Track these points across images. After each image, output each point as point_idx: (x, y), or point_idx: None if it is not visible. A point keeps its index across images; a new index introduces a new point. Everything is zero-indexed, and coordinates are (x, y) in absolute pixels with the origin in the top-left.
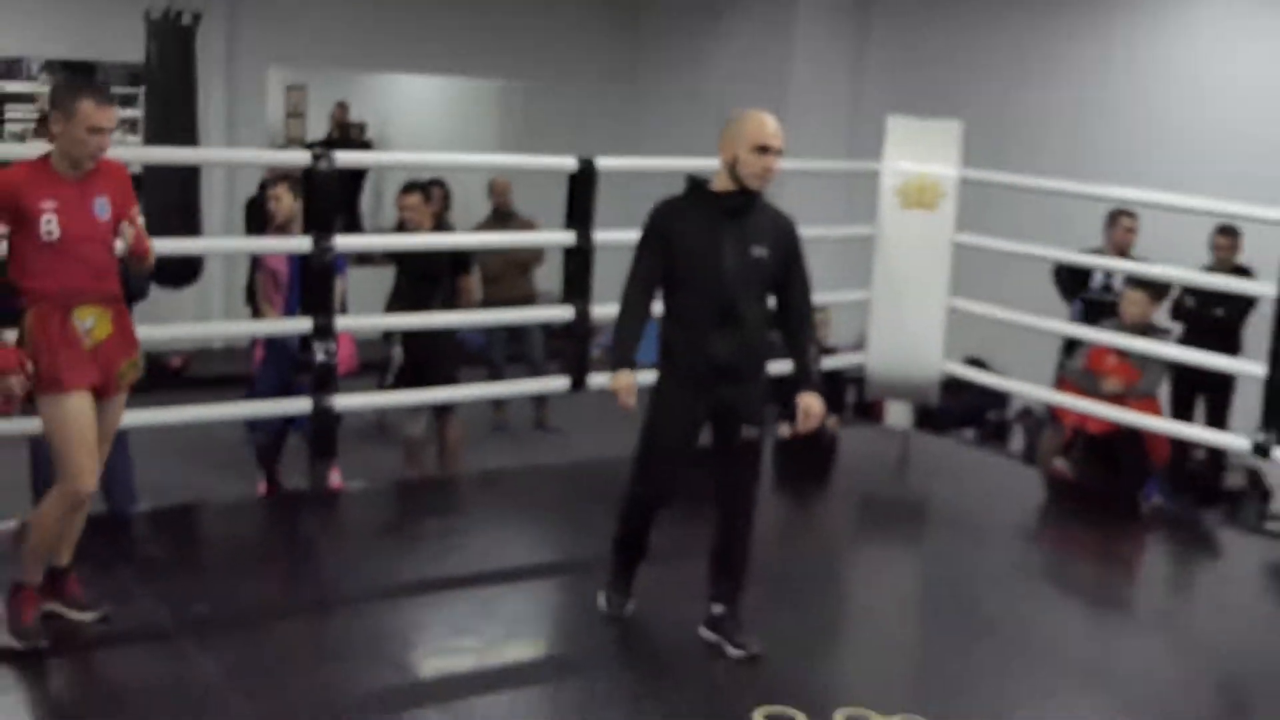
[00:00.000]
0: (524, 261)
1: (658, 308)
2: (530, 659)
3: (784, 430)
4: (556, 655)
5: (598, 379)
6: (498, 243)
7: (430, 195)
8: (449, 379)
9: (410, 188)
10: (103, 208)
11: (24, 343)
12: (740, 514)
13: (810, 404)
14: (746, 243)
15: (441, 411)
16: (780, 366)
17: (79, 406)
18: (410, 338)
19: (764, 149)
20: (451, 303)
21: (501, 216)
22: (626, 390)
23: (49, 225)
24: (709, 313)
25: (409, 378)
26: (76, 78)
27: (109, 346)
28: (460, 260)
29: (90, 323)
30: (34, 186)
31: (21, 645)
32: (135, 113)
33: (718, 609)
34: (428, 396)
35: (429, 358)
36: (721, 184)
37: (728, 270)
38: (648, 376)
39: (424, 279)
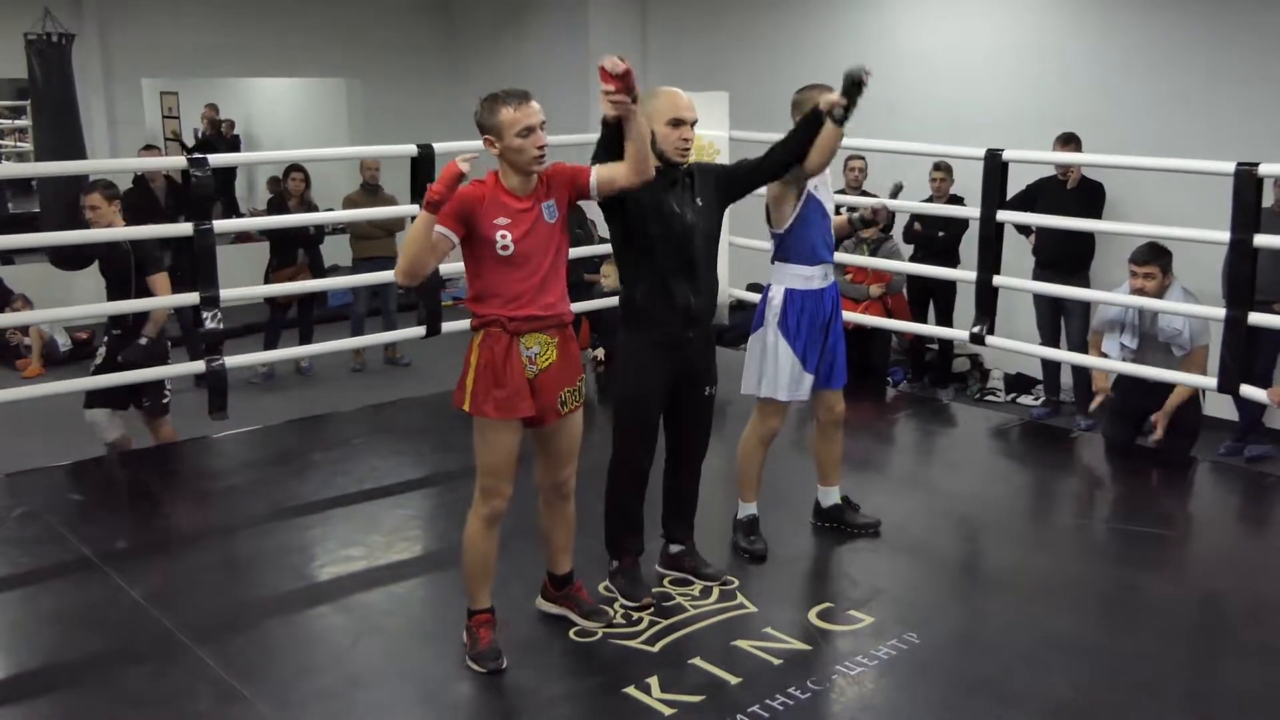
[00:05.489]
0: (388, 226)
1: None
2: (409, 559)
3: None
4: (430, 554)
5: (448, 325)
6: (366, 215)
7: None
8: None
9: (92, 186)
10: None
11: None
12: (699, 463)
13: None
14: (692, 196)
15: (151, 416)
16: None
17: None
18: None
19: (678, 121)
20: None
21: (370, 189)
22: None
23: None
24: (674, 266)
25: (111, 367)
26: None
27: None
28: (141, 261)
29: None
30: None
31: (481, 669)
32: (25, 122)
33: (675, 548)
34: (315, 349)
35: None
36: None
37: (689, 224)
38: None
39: (117, 283)
